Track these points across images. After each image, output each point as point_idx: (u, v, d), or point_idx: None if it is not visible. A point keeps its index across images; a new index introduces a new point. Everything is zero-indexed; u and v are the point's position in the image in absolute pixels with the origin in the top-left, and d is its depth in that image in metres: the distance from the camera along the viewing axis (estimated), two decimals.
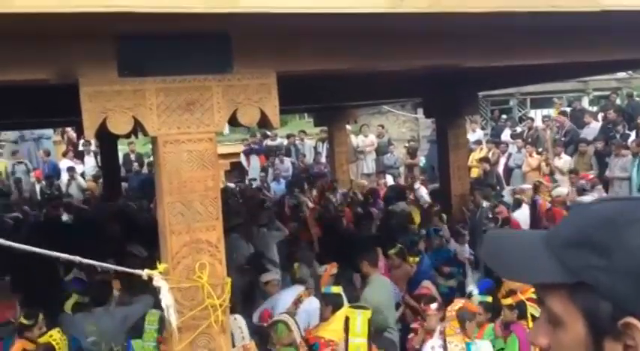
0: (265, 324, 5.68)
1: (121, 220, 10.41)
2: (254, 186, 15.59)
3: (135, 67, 3.86)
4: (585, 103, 19.94)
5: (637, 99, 17.04)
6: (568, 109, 17.58)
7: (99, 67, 3.78)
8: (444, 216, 9.81)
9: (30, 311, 5.52)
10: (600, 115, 15.94)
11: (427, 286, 6.95)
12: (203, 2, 3.33)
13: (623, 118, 14.69)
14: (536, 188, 11.10)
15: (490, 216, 9.43)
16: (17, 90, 6.07)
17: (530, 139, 15.35)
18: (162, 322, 4.73)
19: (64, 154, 16.99)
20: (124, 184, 15.50)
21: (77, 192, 15.12)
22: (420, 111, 16.77)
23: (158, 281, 3.33)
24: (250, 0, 3.42)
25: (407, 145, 17.89)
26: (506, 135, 16.55)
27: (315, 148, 17.82)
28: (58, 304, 6.40)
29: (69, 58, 3.73)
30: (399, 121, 20.38)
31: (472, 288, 6.95)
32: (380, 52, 4.58)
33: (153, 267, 3.76)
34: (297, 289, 6.49)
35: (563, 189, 10.85)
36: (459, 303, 5.67)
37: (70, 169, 15.50)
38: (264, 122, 4.33)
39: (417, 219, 9.60)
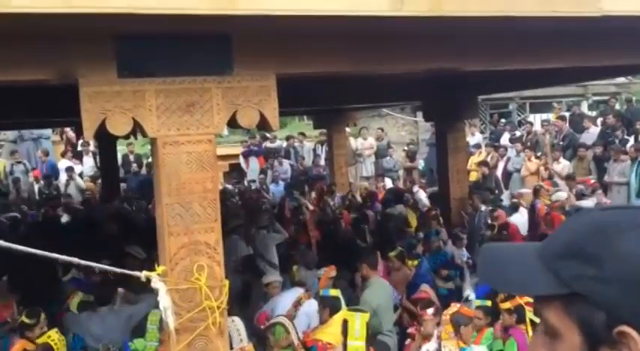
0: (263, 326, 5.67)
1: (119, 221, 10.40)
2: (253, 188, 15.59)
3: (135, 68, 3.86)
4: (584, 107, 19.96)
5: (636, 104, 17.06)
6: (567, 114, 17.59)
7: (99, 67, 3.78)
8: (441, 219, 9.81)
9: (32, 310, 5.52)
10: (599, 120, 15.95)
11: (425, 290, 6.94)
12: (203, 4, 3.33)
13: (622, 123, 14.70)
14: (537, 192, 11.10)
15: (489, 220, 9.43)
16: (16, 90, 6.06)
17: (529, 144, 15.35)
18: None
19: (63, 155, 16.97)
20: (123, 185, 15.49)
21: (76, 192, 15.09)
22: (420, 114, 16.77)
23: (156, 283, 3.32)
24: (250, 2, 3.42)
25: (406, 148, 17.89)
26: (505, 139, 16.56)
27: (314, 150, 17.81)
28: (56, 304, 6.40)
29: (69, 58, 3.73)
30: (399, 124, 20.39)
31: (469, 292, 6.94)
32: (380, 55, 4.59)
33: (151, 268, 3.76)
34: (297, 292, 6.49)
35: (563, 193, 10.84)
36: (454, 307, 5.67)
37: (69, 170, 15.48)
38: (263, 124, 4.33)
39: (414, 222, 9.60)
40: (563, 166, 13.58)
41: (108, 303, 6.18)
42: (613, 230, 0.92)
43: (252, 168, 17.55)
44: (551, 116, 18.02)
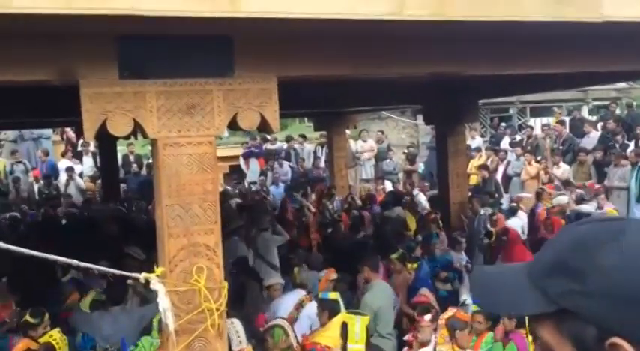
0: (262, 328, 5.67)
1: (119, 222, 10.40)
2: (253, 189, 15.59)
3: (136, 69, 3.86)
4: (585, 112, 19.97)
5: (636, 109, 17.06)
6: (567, 119, 17.60)
7: (100, 68, 3.78)
8: (441, 223, 9.81)
9: (36, 310, 5.53)
10: (599, 125, 15.96)
11: (425, 294, 6.94)
12: (205, 6, 3.34)
13: (622, 128, 14.70)
14: (539, 196, 11.12)
15: (488, 225, 9.42)
16: (17, 90, 6.06)
17: (529, 148, 15.35)
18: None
19: (63, 155, 16.97)
20: (123, 186, 15.49)
21: (75, 192, 15.10)
22: (420, 117, 16.78)
23: (155, 284, 3.32)
24: (252, 5, 3.42)
25: (406, 151, 17.89)
26: (505, 143, 16.56)
27: (315, 152, 17.81)
28: (56, 305, 6.40)
29: (70, 59, 3.73)
30: (399, 127, 20.40)
31: (466, 297, 6.93)
32: (381, 58, 4.59)
33: (150, 269, 3.75)
34: (299, 294, 6.49)
35: (564, 197, 10.84)
36: (450, 311, 5.66)
37: (69, 170, 15.49)
38: (264, 126, 4.33)
39: (413, 226, 9.60)
40: (563, 170, 13.58)
41: (120, 302, 6.16)
42: (593, 244, 0.93)
43: (253, 170, 17.55)
44: (551, 120, 18.03)
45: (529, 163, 14.04)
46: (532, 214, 10.48)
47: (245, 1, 3.41)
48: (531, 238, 9.63)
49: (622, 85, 18.94)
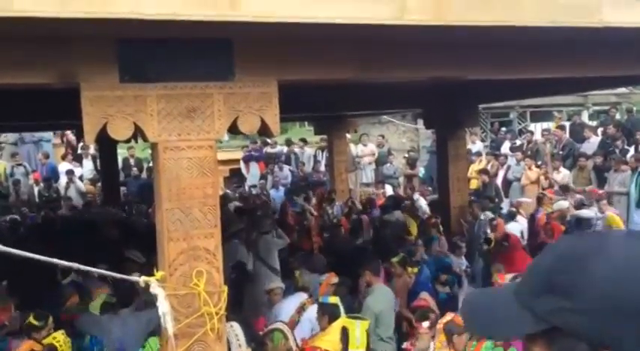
0: (261, 332, 5.66)
1: (119, 225, 10.41)
2: (254, 193, 15.60)
3: (136, 72, 3.86)
4: (585, 117, 19.97)
5: (636, 114, 17.06)
6: (567, 123, 17.60)
7: (100, 72, 3.79)
8: (441, 227, 9.81)
9: (40, 313, 5.53)
10: (600, 130, 15.97)
11: (425, 298, 6.94)
12: (205, 10, 3.34)
13: (622, 134, 14.71)
14: (540, 200, 11.12)
15: (488, 229, 9.42)
16: (17, 92, 6.07)
17: (529, 152, 15.36)
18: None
19: (63, 157, 16.98)
20: (123, 189, 15.50)
21: (75, 195, 15.10)
22: (421, 121, 16.78)
23: (155, 288, 3.32)
24: (253, 8, 3.43)
25: (406, 155, 17.90)
26: (505, 147, 16.57)
27: (315, 156, 17.82)
28: (55, 308, 6.39)
29: (71, 62, 3.73)
30: (399, 131, 20.40)
31: None
32: (382, 62, 4.59)
33: (150, 273, 3.75)
34: (301, 297, 6.49)
35: (564, 202, 10.85)
36: (448, 316, 5.65)
37: (69, 172, 15.50)
38: (264, 130, 4.33)
39: (414, 230, 9.59)
40: (563, 175, 13.59)
41: (130, 304, 6.15)
42: (576, 259, 0.93)
43: (253, 173, 17.56)
44: (551, 125, 18.03)
45: (529, 168, 14.05)
46: (532, 219, 10.48)
47: (245, 4, 3.41)
48: (531, 243, 9.63)
49: (622, 90, 18.94)
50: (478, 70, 5.05)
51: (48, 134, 17.52)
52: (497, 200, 12.70)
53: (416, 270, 7.90)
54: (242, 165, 17.98)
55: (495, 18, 3.94)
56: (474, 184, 14.12)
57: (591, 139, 15.02)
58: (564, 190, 12.17)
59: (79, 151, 17.28)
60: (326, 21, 3.56)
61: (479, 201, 10.75)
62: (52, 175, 16.04)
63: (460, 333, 5.43)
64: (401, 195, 13.95)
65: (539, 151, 15.59)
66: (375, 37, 4.22)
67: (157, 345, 5.26)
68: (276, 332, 5.30)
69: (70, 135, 17.46)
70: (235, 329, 5.04)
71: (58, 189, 15.55)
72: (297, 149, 18.29)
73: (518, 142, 16.84)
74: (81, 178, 16.32)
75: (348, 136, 15.38)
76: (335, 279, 6.78)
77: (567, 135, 16.10)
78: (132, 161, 17.09)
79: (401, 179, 16.83)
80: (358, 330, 5.13)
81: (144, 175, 16.49)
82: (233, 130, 4.27)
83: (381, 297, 6.63)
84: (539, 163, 14.75)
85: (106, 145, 13.10)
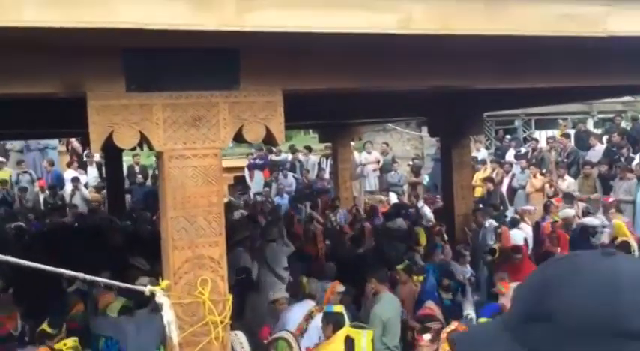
0: (266, 341, 5.66)
1: (124, 233, 10.43)
2: (259, 200, 15.60)
3: (142, 82, 3.88)
4: (590, 125, 19.95)
5: None
6: (572, 131, 17.58)
7: (107, 81, 3.81)
8: (445, 236, 9.80)
9: (55, 320, 5.55)
10: (605, 138, 15.94)
11: (430, 306, 6.92)
12: (211, 20, 3.36)
13: (627, 142, 14.68)
14: (547, 208, 11.10)
15: (493, 238, 9.39)
16: (24, 100, 6.11)
17: (534, 160, 15.34)
18: None
19: (69, 165, 17.04)
20: (128, 197, 15.52)
21: (81, 202, 15.14)
22: (425, 129, 16.78)
23: (160, 297, 3.33)
24: (258, 18, 3.44)
25: (411, 163, 17.89)
26: (510, 155, 16.56)
27: (319, 164, 17.83)
28: (60, 315, 6.39)
29: (77, 71, 3.76)
30: (404, 139, 20.40)
31: (470, 311, 6.89)
32: (387, 71, 4.61)
33: (157, 279, 3.76)
34: (308, 304, 6.47)
35: (570, 211, 10.82)
36: (452, 325, 5.64)
37: (75, 180, 15.54)
38: (269, 139, 4.35)
39: (423, 239, 9.56)
40: (568, 183, 13.56)
41: (146, 305, 6.13)
42: (555, 283, 0.94)
43: (257, 181, 17.58)
44: (556, 133, 18.01)
45: (534, 176, 14.03)
46: (537, 227, 10.45)
47: (251, 14, 3.43)
48: (536, 251, 9.60)
49: (627, 98, 18.91)
50: (483, 80, 5.06)
51: (54, 142, 17.58)
52: (501, 208, 12.68)
53: (421, 278, 7.88)
54: (246, 173, 18.00)
55: (500, 27, 3.96)
56: (479, 192, 14.09)
57: (596, 147, 15.00)
58: (567, 198, 12.15)
59: (85, 159, 17.33)
60: (331, 31, 3.57)
61: (483, 209, 10.74)
62: (58, 183, 16.08)
63: None
64: (405, 203, 13.94)
65: (544, 159, 15.57)
66: (380, 47, 4.23)
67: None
68: (280, 341, 5.29)
69: (75, 143, 17.51)
70: (240, 337, 5.04)
71: (64, 196, 15.58)
72: (301, 157, 18.30)
73: (523, 150, 16.82)
74: (86, 185, 16.36)
75: (353, 143, 15.40)
76: (341, 287, 6.77)
77: (572, 143, 16.09)
78: (137, 169, 17.12)
79: (405, 187, 16.82)
80: (364, 339, 5.12)
81: (148, 182, 16.51)
82: (238, 138, 4.29)
83: (389, 305, 6.64)
84: (543, 171, 14.73)
85: (112, 152, 13.11)
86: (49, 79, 3.76)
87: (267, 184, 17.05)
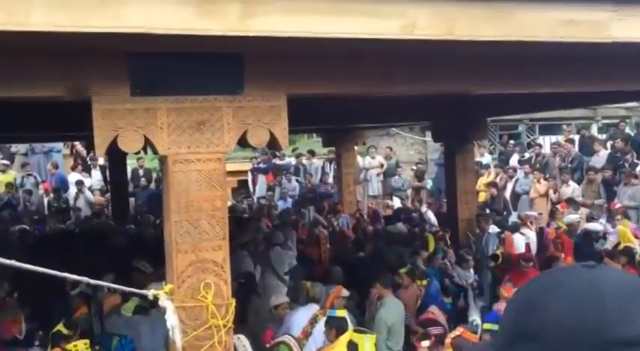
0: (268, 345, 5.65)
1: (127, 235, 10.45)
2: (263, 203, 15.61)
3: (147, 86, 3.90)
4: (594, 130, 19.92)
5: None
6: (576, 137, 17.55)
7: (112, 85, 3.83)
8: (449, 241, 9.78)
9: (71, 322, 5.55)
10: (609, 143, 15.91)
11: (432, 311, 6.90)
12: (216, 25, 3.37)
13: (631, 147, 14.65)
14: (553, 214, 11.08)
15: (496, 243, 9.37)
16: (29, 103, 6.13)
17: (538, 166, 15.31)
18: None
19: (73, 168, 17.07)
20: (131, 200, 15.54)
21: (85, 205, 15.16)
22: (429, 134, 16.78)
23: (164, 302, 3.33)
24: (262, 23, 3.45)
25: (414, 167, 17.88)
26: (514, 160, 16.53)
27: (323, 168, 17.83)
28: (63, 318, 6.39)
29: (83, 76, 3.78)
30: (407, 144, 20.39)
31: (475, 317, 6.87)
32: (391, 77, 4.61)
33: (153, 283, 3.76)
34: (313, 308, 6.47)
35: (574, 216, 10.80)
36: (457, 331, 5.63)
37: (79, 183, 15.57)
38: (273, 143, 4.35)
39: (432, 245, 9.54)
40: (572, 189, 13.54)
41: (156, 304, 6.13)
42: (540, 301, 0.94)
43: (260, 185, 17.59)
44: (560, 138, 17.98)
45: (538, 181, 14.00)
46: (541, 233, 10.43)
47: (255, 20, 3.44)
48: (540, 256, 9.57)
49: (632, 103, 18.86)
50: (488, 85, 5.06)
51: (58, 145, 17.62)
52: (505, 213, 12.65)
53: (425, 282, 7.87)
54: (250, 176, 18.01)
55: (504, 33, 3.96)
56: (482, 196, 14.07)
57: (600, 153, 14.96)
58: (569, 203, 12.12)
59: (89, 162, 17.36)
60: (335, 36, 3.58)
61: (486, 214, 10.72)
62: (62, 186, 16.10)
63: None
64: (408, 207, 13.93)
65: (548, 165, 15.54)
66: (384, 52, 4.24)
67: None
68: (282, 346, 5.29)
69: (79, 146, 17.55)
70: (243, 341, 5.03)
71: (68, 199, 15.61)
72: (305, 161, 18.31)
73: (526, 155, 16.79)
74: (90, 188, 16.39)
75: (356, 148, 15.39)
76: (345, 292, 6.76)
77: (576, 148, 16.05)
78: (141, 172, 17.14)
79: (409, 191, 16.80)
80: (368, 344, 5.12)
81: (152, 185, 16.54)
82: (242, 142, 4.30)
83: (393, 309, 6.65)
84: (547, 176, 14.70)
85: (116, 155, 13.14)
86: (55, 83, 3.77)
87: (270, 188, 17.05)
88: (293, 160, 18.44)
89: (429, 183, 17.14)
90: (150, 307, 6.05)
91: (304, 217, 12.92)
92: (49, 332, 5.81)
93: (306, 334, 6.00)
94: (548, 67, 4.91)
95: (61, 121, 8.00)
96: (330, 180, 16.64)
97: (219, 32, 3.38)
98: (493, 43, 3.97)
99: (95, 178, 17.04)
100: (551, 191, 13.73)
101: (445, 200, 14.10)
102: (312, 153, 18.78)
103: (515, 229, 10.27)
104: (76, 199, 15.40)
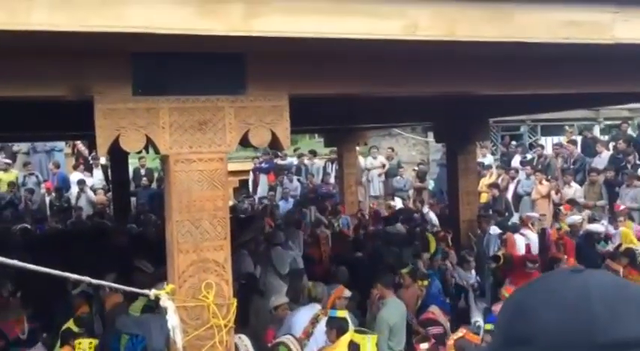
0: (269, 345, 5.65)
1: (129, 234, 10.46)
2: (265, 203, 15.62)
3: (149, 86, 3.90)
4: (596, 131, 19.89)
5: None
6: (578, 138, 17.53)
7: (114, 85, 3.83)
8: (450, 242, 9.78)
9: (81, 319, 5.56)
10: (611, 145, 15.89)
11: (433, 311, 6.91)
12: (218, 25, 3.37)
13: (633, 148, 14.63)
14: (556, 215, 11.07)
15: (498, 243, 9.37)
16: (31, 103, 6.13)
17: (540, 167, 15.30)
18: None
19: (75, 167, 17.08)
20: (133, 199, 15.56)
21: (86, 205, 15.18)
22: (431, 134, 16.77)
23: (165, 302, 3.33)
24: (265, 23, 3.46)
25: (416, 168, 17.87)
26: (516, 161, 16.52)
27: (325, 168, 17.83)
28: (64, 317, 6.41)
29: (85, 75, 3.78)
30: (409, 144, 20.37)
31: (478, 319, 6.87)
32: (393, 78, 4.61)
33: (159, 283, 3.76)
34: (314, 308, 6.47)
35: (577, 217, 10.79)
36: (460, 332, 5.63)
37: (80, 182, 15.58)
38: (275, 143, 4.36)
39: (433, 245, 9.55)
40: (574, 190, 13.52)
41: None
42: (530, 307, 0.95)
43: (262, 185, 17.59)
44: (562, 139, 17.97)
45: (540, 182, 13.99)
46: (543, 234, 10.42)
47: (258, 20, 3.45)
48: (542, 257, 9.57)
49: (634, 105, 18.83)
50: (489, 86, 5.06)
51: (60, 144, 17.63)
52: (507, 214, 12.64)
53: (426, 282, 7.87)
54: (251, 176, 18.00)
55: (506, 34, 3.96)
56: (484, 197, 14.07)
57: (602, 154, 14.95)
58: (571, 204, 12.11)
59: (90, 161, 17.38)
60: (337, 36, 3.58)
61: (488, 215, 10.71)
62: (64, 185, 16.12)
63: (470, 349, 5.42)
64: (409, 207, 13.93)
65: (550, 166, 15.53)
66: (386, 53, 4.24)
67: None
68: (281, 346, 5.29)
69: (81, 145, 17.56)
70: (244, 341, 5.04)
71: (69, 199, 15.63)
72: (306, 161, 18.31)
73: (528, 156, 16.78)
74: (92, 187, 16.39)
75: (358, 148, 15.39)
76: (347, 293, 6.76)
77: (578, 149, 16.04)
78: (142, 171, 17.15)
79: (410, 192, 16.79)
80: (369, 344, 5.12)
81: (154, 185, 16.55)
82: (244, 142, 4.30)
83: (395, 310, 6.65)
84: (549, 177, 14.68)
85: (117, 155, 13.16)
86: (57, 83, 3.78)
87: (272, 188, 17.06)
88: (295, 160, 18.44)
89: (430, 184, 17.13)
90: (156, 306, 6.07)
91: (306, 217, 12.92)
92: (51, 332, 5.82)
93: (308, 334, 6.01)
94: (549, 68, 4.90)
95: (63, 120, 8.01)
96: (332, 180, 16.64)
97: (222, 32, 3.39)
98: (494, 43, 3.97)
99: (97, 178, 17.05)
100: (553, 192, 13.72)
101: (446, 200, 14.13)
102: (313, 153, 18.77)
103: (514, 229, 10.28)
104: (77, 198, 15.41)
